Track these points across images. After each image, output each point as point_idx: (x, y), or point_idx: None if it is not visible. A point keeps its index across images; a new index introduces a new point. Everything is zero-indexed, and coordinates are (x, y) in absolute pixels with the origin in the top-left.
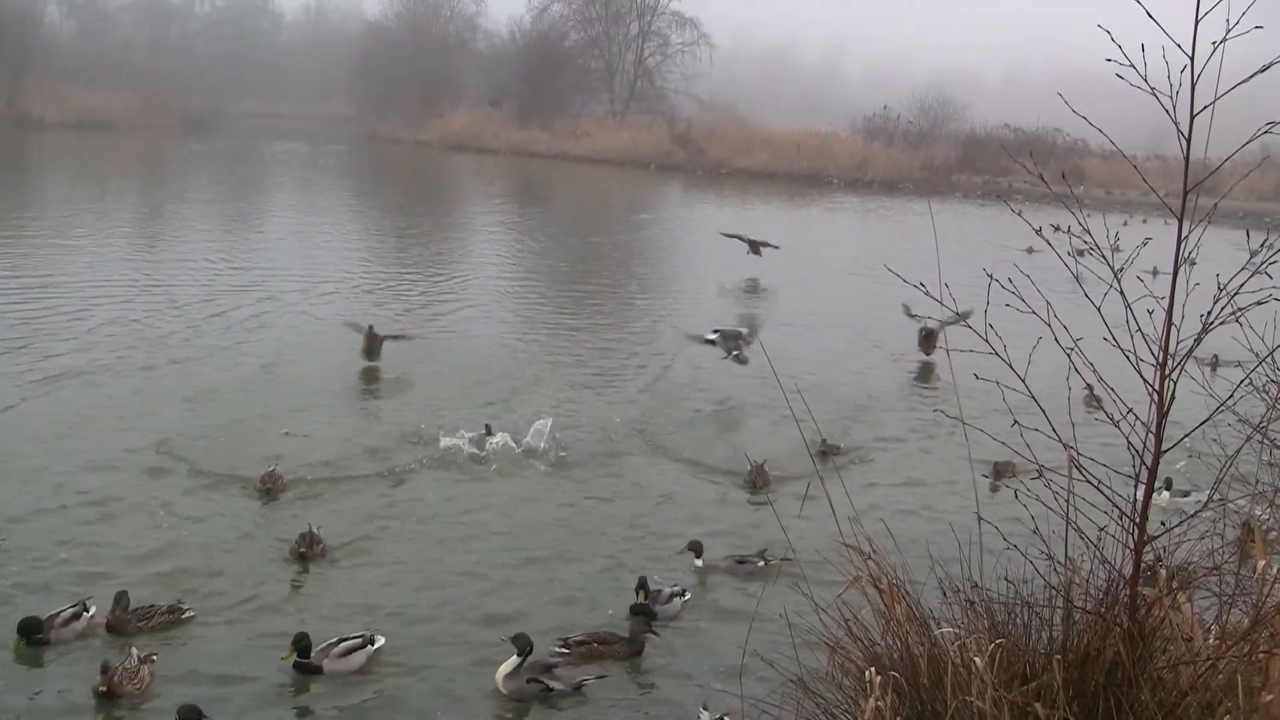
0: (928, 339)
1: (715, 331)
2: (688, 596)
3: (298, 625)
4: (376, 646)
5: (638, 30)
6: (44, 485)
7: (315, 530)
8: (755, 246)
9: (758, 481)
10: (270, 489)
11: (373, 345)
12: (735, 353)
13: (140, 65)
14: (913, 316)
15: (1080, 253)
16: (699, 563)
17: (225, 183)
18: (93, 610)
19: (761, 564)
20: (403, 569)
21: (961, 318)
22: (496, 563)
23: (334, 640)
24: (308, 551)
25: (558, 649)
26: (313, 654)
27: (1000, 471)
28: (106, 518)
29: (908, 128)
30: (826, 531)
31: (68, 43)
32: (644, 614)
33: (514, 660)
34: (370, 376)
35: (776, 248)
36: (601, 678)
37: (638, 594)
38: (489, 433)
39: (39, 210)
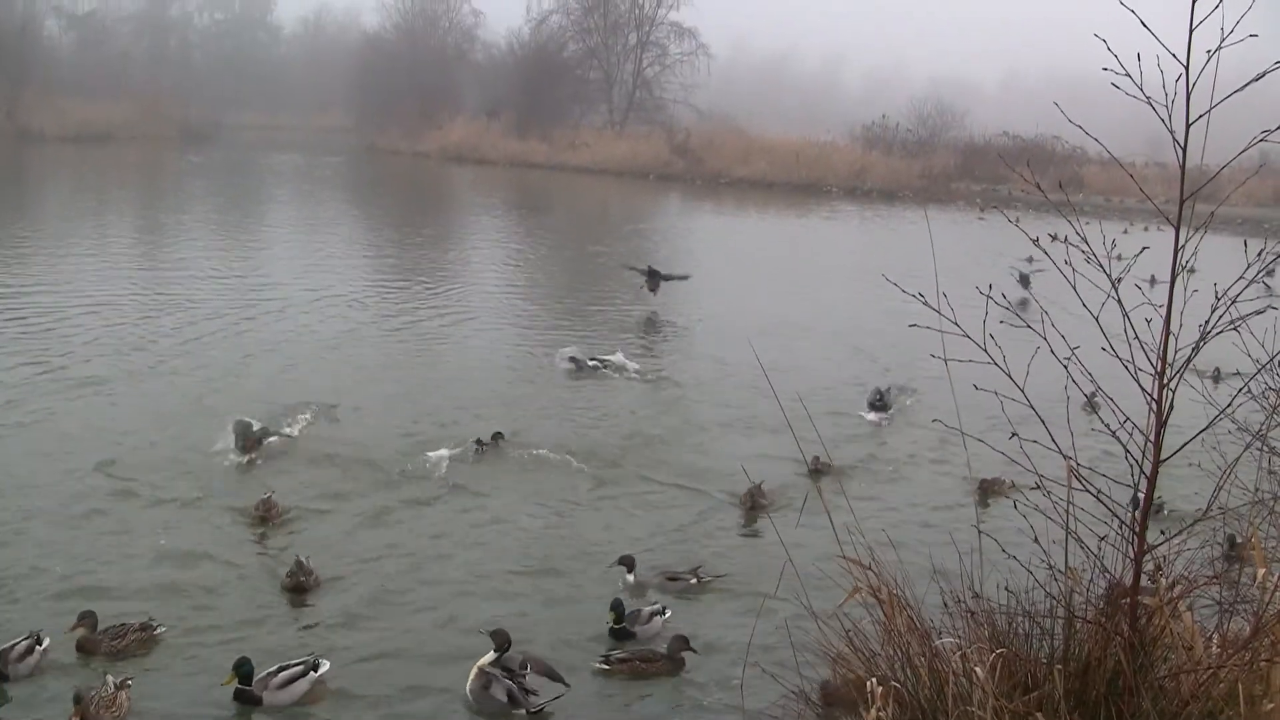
0: (879, 405)
1: (593, 359)
2: (668, 615)
3: (284, 653)
4: (320, 673)
5: (636, 41)
6: (31, 501)
7: (305, 560)
8: (654, 282)
9: (755, 501)
10: (265, 516)
11: (249, 441)
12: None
13: (139, 77)
14: (877, 408)
15: (1025, 279)
16: (630, 578)
17: (223, 194)
18: (46, 642)
19: (694, 580)
20: (395, 595)
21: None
22: (492, 585)
23: (274, 669)
24: (305, 581)
25: (599, 665)
26: (254, 681)
27: (986, 490)
28: (92, 539)
29: (906, 136)
30: (825, 544)
31: (67, 55)
32: (622, 637)
33: (490, 656)
34: (365, 386)
35: (685, 278)
36: (557, 698)
37: (610, 615)
38: (501, 437)
39: (37, 223)
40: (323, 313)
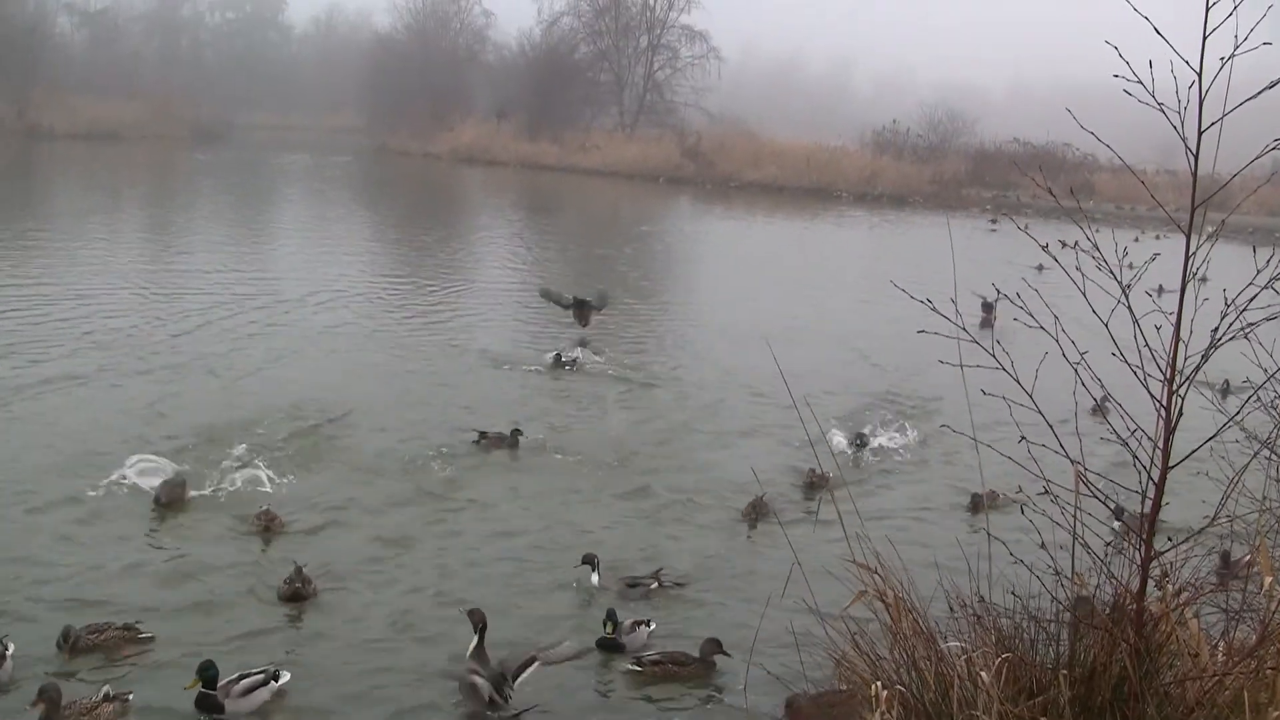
0: (861, 444)
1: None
2: (654, 627)
3: (272, 662)
4: (280, 683)
5: (647, 43)
6: (27, 503)
7: (303, 568)
8: (584, 313)
9: (758, 511)
10: (267, 527)
11: (174, 497)
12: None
13: (150, 76)
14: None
15: (988, 307)
16: (596, 578)
17: (233, 193)
18: (11, 647)
19: (655, 585)
20: (391, 606)
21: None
22: (491, 599)
23: (235, 676)
24: (303, 589)
25: (631, 667)
26: (218, 687)
27: (978, 505)
28: (86, 543)
29: (917, 142)
30: (831, 547)
31: (78, 54)
32: (609, 648)
33: (474, 642)
34: (369, 388)
35: (596, 308)
36: (530, 709)
37: (605, 626)
38: (520, 433)
39: (45, 220)
40: (325, 313)
